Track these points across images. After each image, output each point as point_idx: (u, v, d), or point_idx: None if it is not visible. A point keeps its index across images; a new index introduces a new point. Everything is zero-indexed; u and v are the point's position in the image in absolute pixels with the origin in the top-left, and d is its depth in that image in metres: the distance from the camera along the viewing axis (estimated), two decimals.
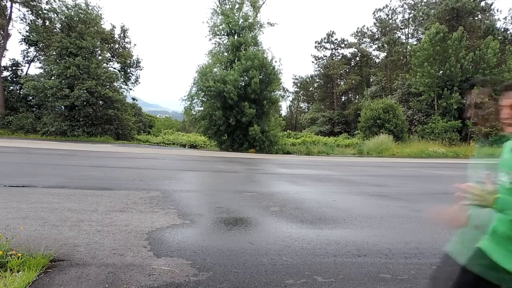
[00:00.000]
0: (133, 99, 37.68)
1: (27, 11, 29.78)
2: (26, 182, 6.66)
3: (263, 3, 28.40)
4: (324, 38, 55.50)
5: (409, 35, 49.52)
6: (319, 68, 57.48)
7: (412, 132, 33.89)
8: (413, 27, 48.33)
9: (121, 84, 33.82)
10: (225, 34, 27.01)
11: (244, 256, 3.38)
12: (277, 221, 4.82)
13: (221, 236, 4.06)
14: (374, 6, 72.11)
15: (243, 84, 24.23)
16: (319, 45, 56.15)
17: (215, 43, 28.14)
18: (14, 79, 31.60)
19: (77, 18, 28.75)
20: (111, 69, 33.14)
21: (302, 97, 63.08)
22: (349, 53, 55.77)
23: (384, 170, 14.05)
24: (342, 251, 3.64)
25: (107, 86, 29.73)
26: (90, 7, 29.87)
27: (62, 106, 28.29)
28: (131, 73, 35.29)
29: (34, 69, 67.08)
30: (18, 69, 32.37)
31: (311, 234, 4.21)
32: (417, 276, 3.04)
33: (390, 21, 50.23)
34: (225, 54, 26.93)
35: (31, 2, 28.88)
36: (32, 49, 32.14)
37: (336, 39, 55.10)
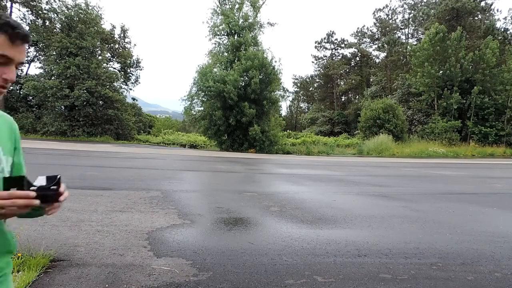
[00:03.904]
0: (133, 99, 37.65)
1: (27, 11, 29.76)
2: None
3: (263, 3, 28.40)
4: (324, 38, 55.52)
5: (409, 35, 49.53)
6: (319, 68, 57.50)
7: (412, 132, 33.88)
8: (413, 27, 48.34)
9: (121, 84, 33.80)
10: (225, 34, 27.01)
11: (244, 256, 3.38)
12: (277, 221, 4.82)
13: (221, 236, 4.06)
14: (374, 6, 72.25)
15: (243, 84, 24.23)
16: (319, 45, 56.17)
17: (215, 43, 28.17)
18: None
19: (77, 18, 28.73)
20: (111, 69, 33.12)
21: (302, 97, 63.06)
22: (349, 53, 55.80)
23: (384, 170, 14.05)
24: (342, 251, 3.64)
25: (107, 86, 29.71)
26: (90, 7, 29.85)
27: (62, 106, 28.27)
28: (131, 73, 35.26)
29: (34, 69, 67.15)
30: (18, 69, 32.32)
31: (311, 234, 4.21)
32: (417, 276, 3.04)
33: (390, 21, 50.24)
34: (225, 54, 26.94)
35: (31, 2, 28.86)
36: (32, 49, 32.09)
37: (336, 39, 55.12)
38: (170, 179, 8.37)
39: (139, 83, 35.80)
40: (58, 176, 0.91)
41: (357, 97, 53.35)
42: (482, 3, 37.79)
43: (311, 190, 7.94)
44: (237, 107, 23.43)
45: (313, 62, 58.46)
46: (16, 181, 0.86)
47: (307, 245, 3.78)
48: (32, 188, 0.86)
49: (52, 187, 0.89)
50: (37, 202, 0.83)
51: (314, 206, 5.87)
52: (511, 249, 3.92)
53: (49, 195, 0.88)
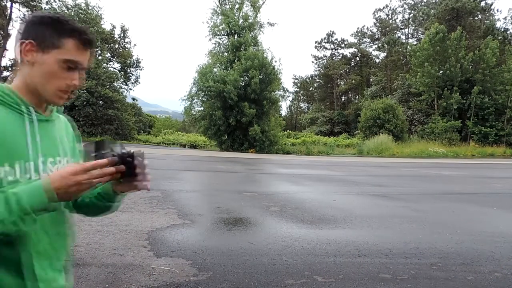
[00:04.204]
0: (133, 99, 37.64)
1: (27, 11, 29.76)
2: None
3: (263, 3, 28.38)
4: (324, 38, 55.48)
5: (409, 35, 49.49)
6: (319, 68, 57.45)
7: (412, 132, 33.85)
8: (413, 27, 48.30)
9: (121, 84, 33.78)
10: (225, 34, 27.01)
11: (244, 256, 3.38)
12: (277, 221, 4.82)
13: (221, 236, 4.06)
14: (374, 6, 72.13)
15: (243, 84, 24.23)
16: (319, 45, 56.13)
17: (215, 43, 28.16)
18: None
19: (77, 18, 28.71)
20: (111, 69, 33.11)
21: (302, 97, 63.00)
22: (349, 53, 55.74)
23: (384, 170, 14.04)
24: (342, 251, 3.64)
25: (107, 86, 29.70)
26: (90, 7, 29.86)
27: (62, 106, 28.26)
28: (131, 73, 35.24)
29: None
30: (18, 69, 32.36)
31: (311, 234, 4.22)
32: (417, 276, 3.04)
33: (390, 21, 50.22)
34: (225, 54, 26.93)
35: (31, 2, 28.85)
36: None
37: (336, 39, 55.07)
38: (170, 179, 8.37)
39: (139, 83, 35.79)
40: (132, 152, 0.90)
41: (357, 97, 53.30)
42: (482, 3, 37.77)
43: (311, 190, 7.95)
44: (237, 107, 23.43)
45: (313, 62, 58.36)
46: (99, 145, 0.88)
47: (307, 245, 3.78)
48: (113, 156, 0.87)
49: (128, 158, 0.88)
50: (122, 167, 0.85)
51: (314, 206, 5.87)
52: (511, 249, 3.92)
53: (129, 163, 0.87)
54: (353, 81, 52.39)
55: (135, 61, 35.17)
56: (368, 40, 53.68)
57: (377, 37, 52.41)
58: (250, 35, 26.24)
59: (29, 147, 0.89)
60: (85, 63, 0.95)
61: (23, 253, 0.86)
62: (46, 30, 0.90)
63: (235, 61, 24.89)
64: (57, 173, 0.81)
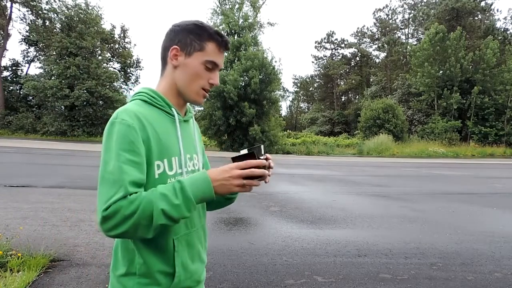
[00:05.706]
0: None
1: (27, 11, 29.77)
2: (26, 182, 6.65)
3: (263, 3, 28.47)
4: (324, 38, 55.50)
5: (409, 35, 49.50)
6: (319, 68, 57.48)
7: (412, 132, 33.86)
8: (413, 27, 48.32)
9: (121, 84, 33.78)
10: (225, 34, 27.02)
11: (244, 256, 3.38)
12: (277, 221, 4.82)
13: (221, 236, 4.06)
14: (374, 6, 71.95)
15: (243, 84, 24.23)
16: (319, 45, 56.16)
17: None
18: (14, 79, 31.57)
19: (77, 18, 28.72)
20: (111, 69, 33.09)
21: (302, 97, 63.03)
22: (349, 53, 55.76)
23: (384, 170, 14.04)
24: (342, 251, 3.64)
25: (107, 86, 29.70)
26: (90, 7, 29.84)
27: (62, 106, 28.26)
28: (131, 73, 35.24)
29: (34, 69, 67.00)
30: (18, 69, 32.32)
31: (311, 234, 4.22)
32: (417, 276, 3.04)
33: (390, 21, 50.23)
34: (225, 54, 26.94)
35: (31, 2, 28.86)
36: (32, 49, 32.10)
37: (336, 39, 55.09)
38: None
39: (139, 83, 35.76)
40: (262, 146, 0.96)
41: (357, 97, 53.30)
42: (482, 3, 37.78)
43: (311, 190, 7.95)
44: (237, 107, 23.44)
45: (313, 62, 58.42)
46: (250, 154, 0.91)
47: (307, 245, 3.78)
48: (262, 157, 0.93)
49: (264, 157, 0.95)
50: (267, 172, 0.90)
51: (314, 206, 5.87)
52: (511, 249, 3.92)
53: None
54: (353, 81, 52.39)
55: (135, 61, 35.16)
56: (368, 40, 53.70)
57: (377, 37, 52.43)
58: (250, 35, 26.24)
59: (180, 145, 1.01)
60: (222, 64, 1.04)
61: (168, 241, 0.95)
62: (189, 36, 1.00)
63: (235, 61, 24.90)
64: (218, 171, 0.89)
